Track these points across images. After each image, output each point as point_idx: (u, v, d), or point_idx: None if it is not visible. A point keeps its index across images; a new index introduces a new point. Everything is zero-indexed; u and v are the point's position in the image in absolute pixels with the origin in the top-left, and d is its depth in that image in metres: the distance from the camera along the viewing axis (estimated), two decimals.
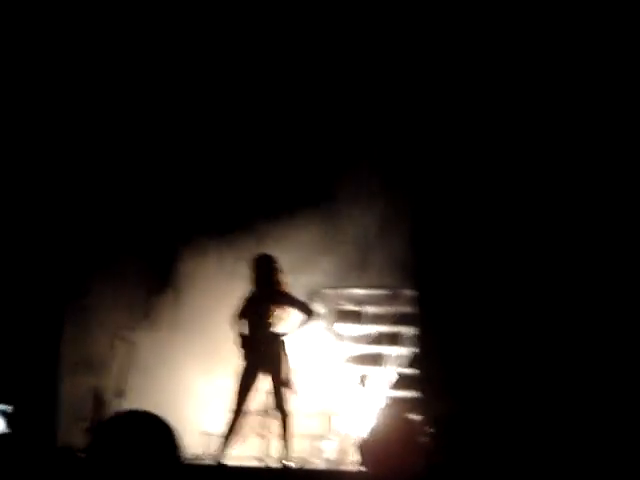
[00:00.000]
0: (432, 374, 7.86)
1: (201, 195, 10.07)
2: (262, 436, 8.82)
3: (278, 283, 8.41)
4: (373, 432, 7.32)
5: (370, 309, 9.96)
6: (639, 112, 7.25)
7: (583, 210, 7.42)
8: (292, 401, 8.22)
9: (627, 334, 7.30)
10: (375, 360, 9.87)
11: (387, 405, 9.11)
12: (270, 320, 8.31)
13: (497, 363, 7.44)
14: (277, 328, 8.33)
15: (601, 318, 7.31)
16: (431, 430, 7.27)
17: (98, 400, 8.63)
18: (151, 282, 9.84)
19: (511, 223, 7.46)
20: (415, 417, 8.55)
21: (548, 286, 7.36)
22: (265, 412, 8.54)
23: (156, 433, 7.44)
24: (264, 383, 8.30)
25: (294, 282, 8.78)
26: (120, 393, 8.80)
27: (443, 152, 7.69)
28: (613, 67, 7.30)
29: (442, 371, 7.61)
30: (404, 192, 8.44)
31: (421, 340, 8.74)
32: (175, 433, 7.63)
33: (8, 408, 8.53)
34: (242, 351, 8.38)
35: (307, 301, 8.61)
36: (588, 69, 7.42)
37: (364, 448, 7.18)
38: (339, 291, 9.96)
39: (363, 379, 9.54)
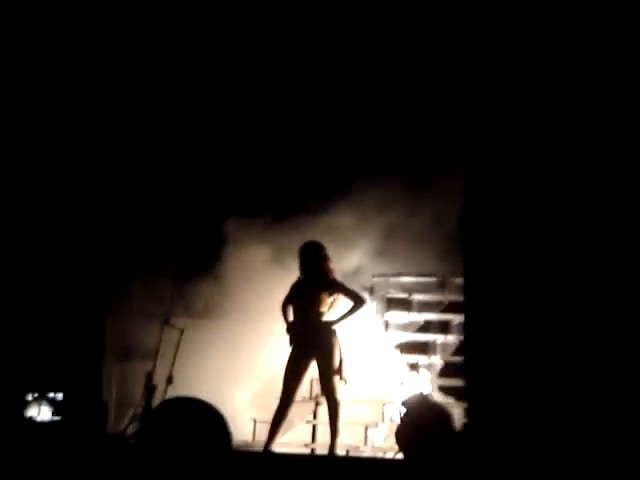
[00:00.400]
0: (478, 363, 7.76)
1: (244, 181, 10.06)
2: (310, 423, 8.81)
3: (326, 271, 8.37)
4: (405, 417, 7.31)
5: (419, 297, 9.91)
6: None
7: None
8: (341, 389, 8.18)
9: None
10: (423, 348, 9.83)
11: (419, 392, 9.05)
12: (318, 307, 8.27)
13: (542, 356, 7.33)
14: (326, 316, 8.29)
15: None
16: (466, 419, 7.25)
17: (148, 387, 8.62)
18: (196, 269, 9.86)
19: (565, 214, 7.35)
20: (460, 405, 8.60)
21: (598, 278, 7.25)
22: (314, 399, 8.52)
23: (206, 420, 7.46)
24: (313, 371, 8.27)
25: (342, 270, 8.74)
26: (169, 380, 8.80)
27: (498, 137, 7.57)
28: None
29: (488, 361, 7.52)
30: (455, 177, 8.33)
31: (467, 328, 8.64)
32: (225, 420, 7.68)
33: (58, 395, 8.59)
34: (290, 338, 8.36)
35: (356, 289, 8.50)
36: None
37: (399, 433, 7.19)
38: (388, 279, 9.92)
39: (414, 367, 9.52)
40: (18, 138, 9.35)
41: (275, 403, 8.20)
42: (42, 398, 8.57)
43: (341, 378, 8.13)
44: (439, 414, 7.33)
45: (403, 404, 7.57)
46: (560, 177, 7.35)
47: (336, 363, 8.12)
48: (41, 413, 8.53)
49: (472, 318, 7.70)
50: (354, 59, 9.80)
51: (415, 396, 8.08)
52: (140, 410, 8.57)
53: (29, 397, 8.58)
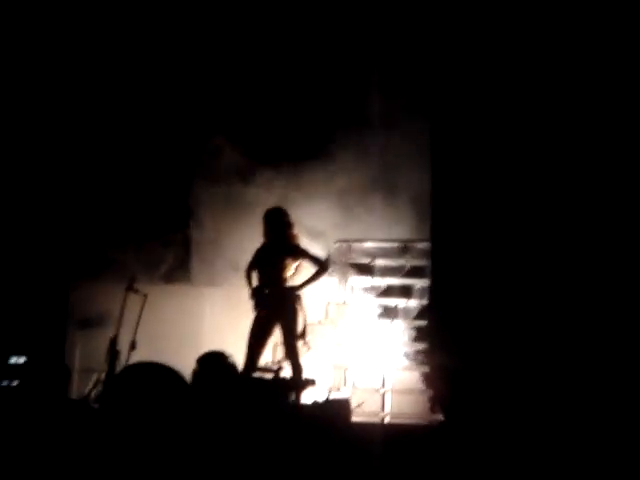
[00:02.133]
0: (441, 327, 7.87)
1: (210, 142, 10.10)
2: None
3: (290, 236, 8.46)
4: None
5: (381, 262, 9.99)
6: None
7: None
8: (304, 354, 8.28)
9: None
10: (387, 312, 9.93)
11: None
12: (282, 273, 8.37)
13: (508, 319, 7.44)
14: (290, 281, 8.38)
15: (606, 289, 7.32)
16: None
17: (111, 352, 8.68)
18: (161, 235, 9.89)
19: (535, 179, 7.44)
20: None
21: (564, 245, 7.36)
22: (276, 364, 8.61)
23: (168, 383, 7.57)
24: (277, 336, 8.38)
25: (307, 234, 8.82)
26: (132, 345, 8.86)
27: (467, 94, 7.61)
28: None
29: (451, 324, 7.63)
30: (422, 138, 8.39)
31: (432, 293, 8.73)
32: (186, 383, 7.78)
33: (20, 359, 8.63)
34: (254, 303, 8.44)
35: (319, 254, 8.60)
36: None
37: None
38: (351, 244, 9.98)
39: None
40: None
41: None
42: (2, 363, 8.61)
43: (305, 343, 8.24)
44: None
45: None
46: (527, 142, 7.43)
47: (299, 329, 8.23)
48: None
49: (438, 282, 7.80)
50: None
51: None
52: (103, 375, 8.62)
53: None
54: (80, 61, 9.87)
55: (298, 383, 8.10)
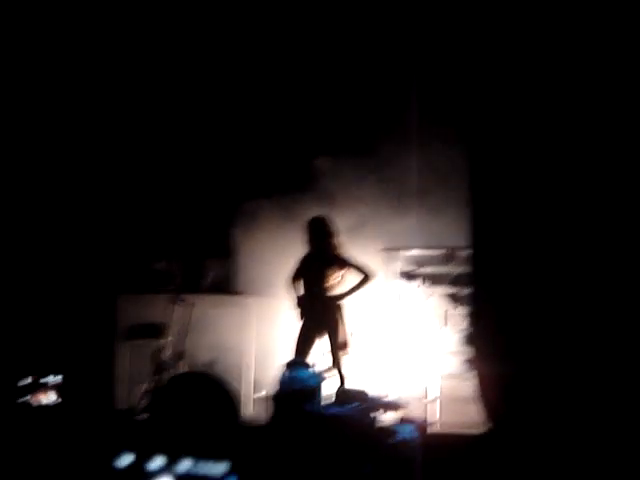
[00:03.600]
0: (486, 333, 7.87)
1: (249, 158, 10.20)
2: None
3: (333, 245, 8.52)
4: None
5: (428, 270, 10.00)
6: None
7: None
8: (347, 363, 8.33)
9: None
10: (435, 320, 9.93)
11: None
12: (326, 282, 8.43)
13: (554, 323, 7.42)
14: (333, 290, 8.43)
15: None
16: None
17: (157, 363, 8.80)
18: (206, 247, 10.01)
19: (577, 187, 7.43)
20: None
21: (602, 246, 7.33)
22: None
23: (214, 395, 7.64)
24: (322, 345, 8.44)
25: (351, 244, 8.85)
26: (179, 355, 8.98)
27: (508, 112, 7.64)
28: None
29: (496, 330, 7.63)
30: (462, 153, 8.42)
31: (475, 298, 8.72)
32: (233, 395, 7.85)
33: (57, 379, 8.76)
34: (299, 312, 8.52)
35: (363, 263, 8.62)
36: None
37: None
38: (397, 252, 10.01)
39: None
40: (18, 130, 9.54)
41: None
42: (39, 382, 8.74)
43: (345, 352, 8.29)
44: None
45: None
46: (562, 154, 7.43)
47: (343, 338, 8.28)
48: (41, 397, 8.70)
49: (481, 288, 7.81)
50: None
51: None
52: (151, 386, 8.73)
53: (25, 382, 8.76)
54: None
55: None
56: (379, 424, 7.40)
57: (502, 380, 7.30)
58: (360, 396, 7.66)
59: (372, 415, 7.41)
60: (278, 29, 10.08)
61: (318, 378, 7.41)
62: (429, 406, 9.40)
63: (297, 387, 7.26)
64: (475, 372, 7.86)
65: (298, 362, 7.87)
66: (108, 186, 9.88)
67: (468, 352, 9.43)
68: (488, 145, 7.69)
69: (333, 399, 7.66)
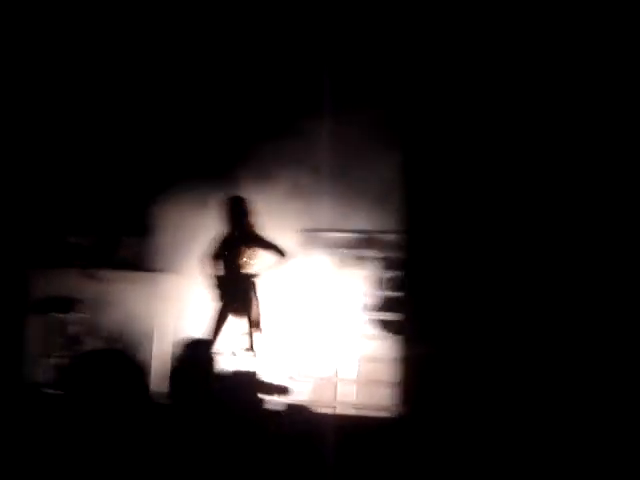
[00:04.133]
0: (414, 317, 7.93)
1: (169, 137, 10.16)
2: None
3: (250, 225, 8.53)
4: None
5: (347, 252, 10.04)
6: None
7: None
8: (259, 341, 8.37)
9: None
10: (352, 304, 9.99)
11: None
12: (242, 261, 8.44)
13: (481, 309, 7.50)
14: (249, 269, 8.45)
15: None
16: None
17: (67, 337, 8.76)
18: (122, 223, 9.96)
19: (508, 165, 7.50)
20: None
21: (537, 233, 7.42)
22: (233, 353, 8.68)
23: (126, 371, 7.61)
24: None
25: (271, 225, 8.85)
26: (89, 330, 8.95)
27: (441, 85, 7.67)
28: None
29: (424, 314, 7.69)
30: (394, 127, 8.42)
31: (405, 284, 8.77)
32: (143, 371, 7.83)
33: None
34: (215, 292, 8.52)
35: (280, 243, 8.66)
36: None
37: None
38: (317, 234, 10.03)
39: None
40: None
41: None
42: None
43: (259, 330, 8.33)
44: None
45: None
46: (496, 129, 7.49)
47: (255, 317, 8.32)
48: None
49: (411, 273, 7.87)
50: None
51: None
52: (61, 361, 8.69)
53: None
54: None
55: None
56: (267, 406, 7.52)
57: (419, 363, 7.37)
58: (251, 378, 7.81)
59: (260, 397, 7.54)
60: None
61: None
62: (341, 387, 9.46)
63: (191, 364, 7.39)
64: (392, 355, 7.95)
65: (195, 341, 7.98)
66: (23, 158, 9.76)
67: (386, 335, 9.54)
68: (414, 127, 7.74)
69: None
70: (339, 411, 9.24)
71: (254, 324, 8.37)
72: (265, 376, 8.15)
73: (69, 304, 8.94)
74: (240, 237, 8.54)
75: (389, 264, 9.73)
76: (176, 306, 9.62)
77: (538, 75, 7.38)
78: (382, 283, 9.95)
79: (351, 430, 7.52)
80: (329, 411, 9.16)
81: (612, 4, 7.27)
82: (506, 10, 7.44)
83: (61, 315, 9.04)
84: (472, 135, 7.50)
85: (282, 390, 8.05)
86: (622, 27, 7.23)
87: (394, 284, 9.59)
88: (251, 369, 8.07)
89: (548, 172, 7.31)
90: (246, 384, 7.77)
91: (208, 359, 7.88)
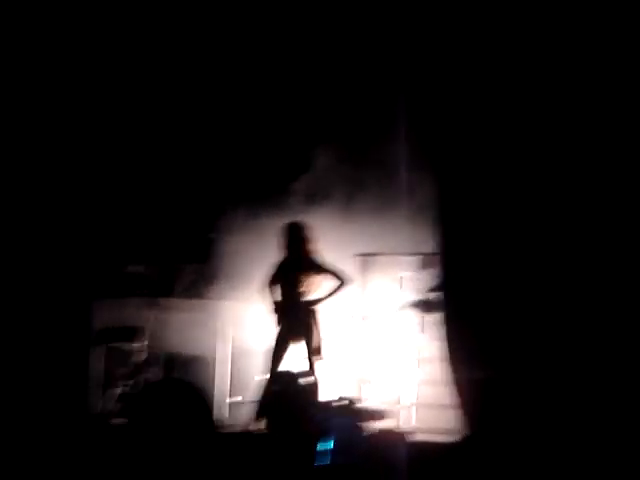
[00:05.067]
0: (460, 338, 7.98)
1: (227, 164, 10.32)
2: None
3: (309, 251, 8.61)
4: None
5: (404, 275, 10.09)
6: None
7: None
8: (320, 367, 8.43)
9: None
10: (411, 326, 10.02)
11: None
12: (301, 288, 8.53)
13: (528, 325, 7.53)
14: (309, 296, 8.53)
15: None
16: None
17: (132, 367, 8.89)
18: (183, 251, 10.11)
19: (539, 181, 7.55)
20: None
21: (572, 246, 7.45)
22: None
23: (189, 401, 7.73)
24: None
25: (326, 249, 8.93)
26: (154, 359, 9.08)
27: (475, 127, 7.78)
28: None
29: (471, 335, 7.74)
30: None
31: (451, 305, 8.80)
32: (207, 401, 7.95)
33: None
34: (275, 318, 8.61)
35: (339, 268, 8.72)
36: None
37: None
38: (373, 258, 10.10)
39: None
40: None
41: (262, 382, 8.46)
42: None
43: (319, 357, 8.40)
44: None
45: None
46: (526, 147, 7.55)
47: (315, 343, 8.39)
48: None
49: (452, 293, 7.92)
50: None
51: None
52: (126, 390, 8.82)
53: None
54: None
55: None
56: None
57: (478, 386, 7.40)
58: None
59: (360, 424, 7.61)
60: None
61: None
62: (403, 413, 9.49)
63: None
64: (452, 378, 7.98)
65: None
66: (84, 189, 9.93)
67: (444, 358, 9.56)
68: (462, 151, 7.82)
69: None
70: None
71: (315, 350, 8.43)
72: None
73: (132, 333, 9.06)
74: (300, 263, 8.62)
75: (445, 286, 9.77)
76: (238, 333, 9.75)
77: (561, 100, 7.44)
78: (438, 305, 10.00)
79: (417, 455, 7.59)
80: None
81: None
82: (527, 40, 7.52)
83: (124, 344, 9.16)
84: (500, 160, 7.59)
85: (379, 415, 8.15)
86: (622, 28, 7.26)
87: (450, 306, 9.61)
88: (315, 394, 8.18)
89: (571, 193, 7.37)
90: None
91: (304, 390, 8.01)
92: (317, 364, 8.44)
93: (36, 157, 9.52)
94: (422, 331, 9.93)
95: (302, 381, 8.17)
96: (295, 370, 8.37)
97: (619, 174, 7.27)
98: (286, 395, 7.90)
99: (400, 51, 9.45)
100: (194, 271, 10.13)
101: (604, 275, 7.23)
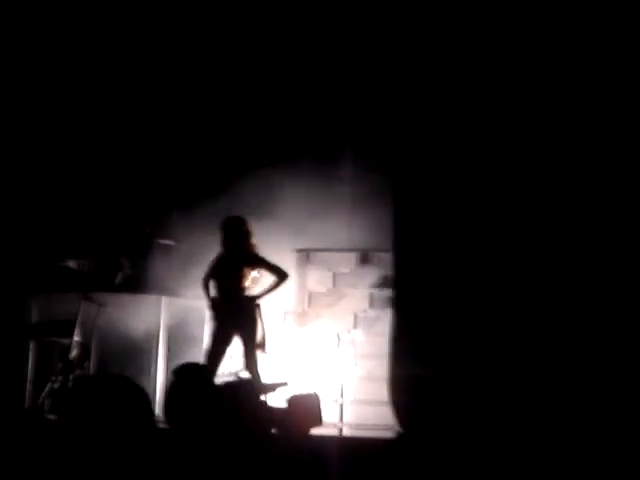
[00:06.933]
0: (404, 336, 8.11)
1: (167, 160, 10.40)
2: None
3: (248, 245, 8.68)
4: None
5: (341, 271, 10.26)
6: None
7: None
8: (261, 363, 8.53)
9: None
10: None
11: None
12: (240, 282, 8.59)
13: (471, 326, 7.67)
14: (247, 291, 8.61)
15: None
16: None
17: (65, 362, 8.88)
18: (120, 246, 10.13)
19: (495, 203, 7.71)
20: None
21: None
22: (235, 374, 8.83)
23: (129, 395, 7.77)
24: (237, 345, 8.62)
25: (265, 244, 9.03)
26: (86, 355, 9.08)
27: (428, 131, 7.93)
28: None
29: (414, 333, 7.87)
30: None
31: (395, 301, 8.94)
32: (147, 396, 7.99)
33: None
34: (212, 313, 8.68)
35: (278, 263, 8.80)
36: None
37: None
38: (310, 253, 10.25)
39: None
40: None
41: None
42: None
43: (264, 352, 8.49)
44: None
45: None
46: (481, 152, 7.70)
47: (259, 338, 8.47)
48: None
49: (401, 291, 8.03)
50: None
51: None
52: (57, 386, 8.81)
53: None
54: None
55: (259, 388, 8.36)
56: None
57: (414, 383, 7.53)
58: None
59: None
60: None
61: None
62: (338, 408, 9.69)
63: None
64: (387, 374, 8.11)
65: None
66: (22, 182, 9.90)
67: (382, 355, 9.73)
68: (408, 150, 7.95)
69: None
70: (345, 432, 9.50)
71: (259, 345, 8.51)
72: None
73: (67, 328, 9.04)
74: (238, 258, 8.68)
75: (381, 282, 9.97)
76: (177, 329, 9.81)
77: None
78: (374, 301, 10.18)
79: (353, 451, 7.72)
80: (335, 432, 9.42)
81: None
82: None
83: (59, 339, 9.14)
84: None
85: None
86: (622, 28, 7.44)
87: (386, 302, 9.78)
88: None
89: (538, 191, 7.53)
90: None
91: (204, 383, 8.11)
92: (260, 358, 8.51)
93: None
94: (356, 326, 10.15)
95: (242, 376, 8.33)
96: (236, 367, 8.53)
97: (584, 176, 7.45)
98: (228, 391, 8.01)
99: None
100: (132, 265, 10.14)
101: (549, 274, 7.38)
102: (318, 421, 8.21)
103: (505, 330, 7.37)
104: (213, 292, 8.74)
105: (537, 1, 7.53)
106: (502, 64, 7.56)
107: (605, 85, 7.35)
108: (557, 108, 7.46)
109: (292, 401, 8.23)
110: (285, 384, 8.54)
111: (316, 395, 8.32)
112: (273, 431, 7.91)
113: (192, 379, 8.09)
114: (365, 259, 10.20)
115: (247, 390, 8.08)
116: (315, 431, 8.50)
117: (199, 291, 8.82)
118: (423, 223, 7.75)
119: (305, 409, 8.19)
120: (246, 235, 8.72)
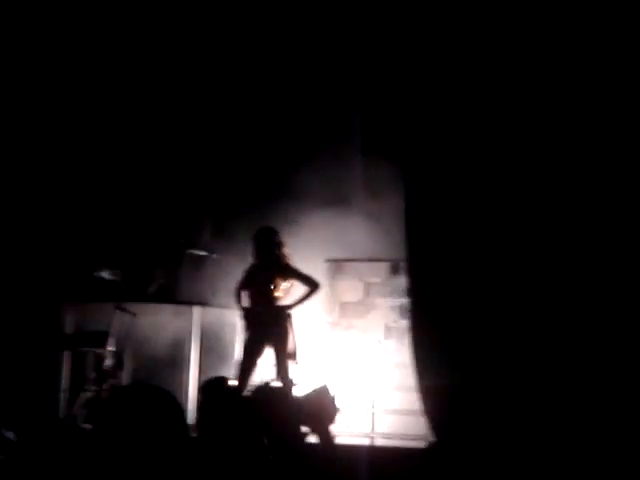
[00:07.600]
0: (428, 345, 8.15)
1: (201, 173, 10.51)
2: None
3: (280, 256, 8.77)
4: None
5: (372, 281, 10.31)
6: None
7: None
8: (295, 372, 8.60)
9: None
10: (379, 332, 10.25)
11: None
12: (273, 293, 8.68)
13: (497, 332, 7.70)
14: (280, 301, 8.70)
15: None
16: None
17: (99, 372, 9.00)
18: (153, 257, 10.25)
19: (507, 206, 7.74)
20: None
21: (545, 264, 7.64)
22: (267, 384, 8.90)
23: (162, 405, 7.88)
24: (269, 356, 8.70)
25: (296, 255, 9.10)
26: (120, 365, 9.19)
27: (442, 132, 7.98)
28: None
29: (438, 341, 7.91)
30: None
31: (419, 311, 8.98)
32: (180, 406, 8.09)
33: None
34: (245, 324, 8.77)
35: (309, 274, 8.87)
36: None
37: None
38: (342, 263, 10.31)
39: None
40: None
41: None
42: None
43: (295, 362, 8.56)
44: None
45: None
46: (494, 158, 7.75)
47: (291, 348, 8.55)
48: None
49: (419, 300, 8.10)
50: None
51: None
52: (92, 396, 8.93)
53: None
54: None
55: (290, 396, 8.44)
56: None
57: (446, 392, 7.58)
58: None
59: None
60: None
61: None
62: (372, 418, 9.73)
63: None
64: (419, 384, 8.15)
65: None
66: (56, 193, 10.03)
67: (411, 364, 9.76)
68: (430, 157, 8.01)
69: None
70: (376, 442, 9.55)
71: (290, 355, 8.59)
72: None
73: (101, 338, 9.15)
74: (270, 268, 8.76)
75: (412, 292, 9.99)
76: (209, 338, 9.90)
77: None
78: (406, 311, 10.22)
79: (385, 461, 7.77)
80: (367, 442, 9.47)
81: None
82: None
83: (95, 349, 9.25)
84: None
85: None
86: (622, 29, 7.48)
87: (417, 311, 9.81)
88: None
89: (538, 198, 7.57)
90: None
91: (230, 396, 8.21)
92: (291, 368, 8.58)
93: (4, 160, 9.60)
94: (389, 337, 10.20)
95: (275, 387, 8.40)
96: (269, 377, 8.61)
97: (585, 179, 7.48)
98: (259, 402, 8.09)
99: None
100: (165, 276, 10.25)
101: (572, 282, 7.41)
102: (334, 413, 8.25)
103: (532, 336, 7.42)
104: (245, 302, 8.85)
105: None
106: (513, 63, 7.65)
107: (619, 84, 7.43)
108: (574, 104, 7.52)
109: (307, 400, 8.28)
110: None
111: (326, 388, 8.36)
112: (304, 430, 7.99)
113: (218, 394, 8.19)
114: (396, 269, 10.25)
115: (278, 395, 8.15)
116: (346, 441, 8.64)
117: (232, 301, 8.93)
118: (438, 230, 7.82)
119: (321, 405, 8.23)
120: (278, 246, 8.81)
